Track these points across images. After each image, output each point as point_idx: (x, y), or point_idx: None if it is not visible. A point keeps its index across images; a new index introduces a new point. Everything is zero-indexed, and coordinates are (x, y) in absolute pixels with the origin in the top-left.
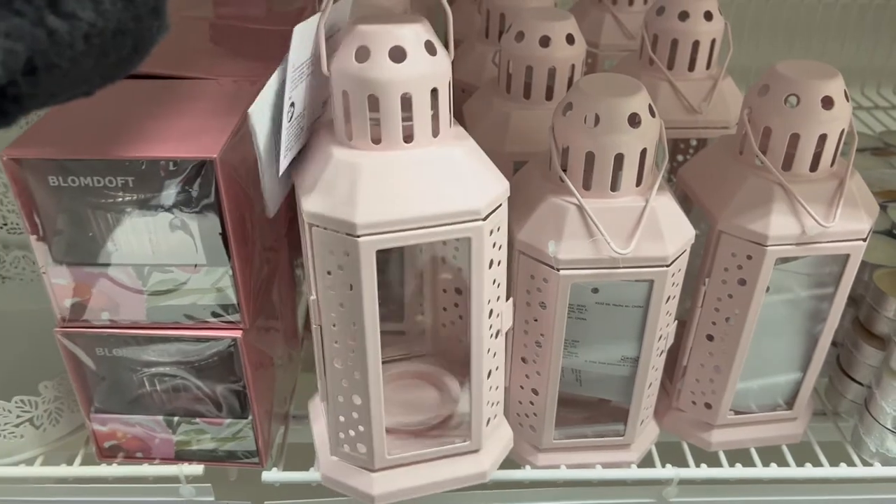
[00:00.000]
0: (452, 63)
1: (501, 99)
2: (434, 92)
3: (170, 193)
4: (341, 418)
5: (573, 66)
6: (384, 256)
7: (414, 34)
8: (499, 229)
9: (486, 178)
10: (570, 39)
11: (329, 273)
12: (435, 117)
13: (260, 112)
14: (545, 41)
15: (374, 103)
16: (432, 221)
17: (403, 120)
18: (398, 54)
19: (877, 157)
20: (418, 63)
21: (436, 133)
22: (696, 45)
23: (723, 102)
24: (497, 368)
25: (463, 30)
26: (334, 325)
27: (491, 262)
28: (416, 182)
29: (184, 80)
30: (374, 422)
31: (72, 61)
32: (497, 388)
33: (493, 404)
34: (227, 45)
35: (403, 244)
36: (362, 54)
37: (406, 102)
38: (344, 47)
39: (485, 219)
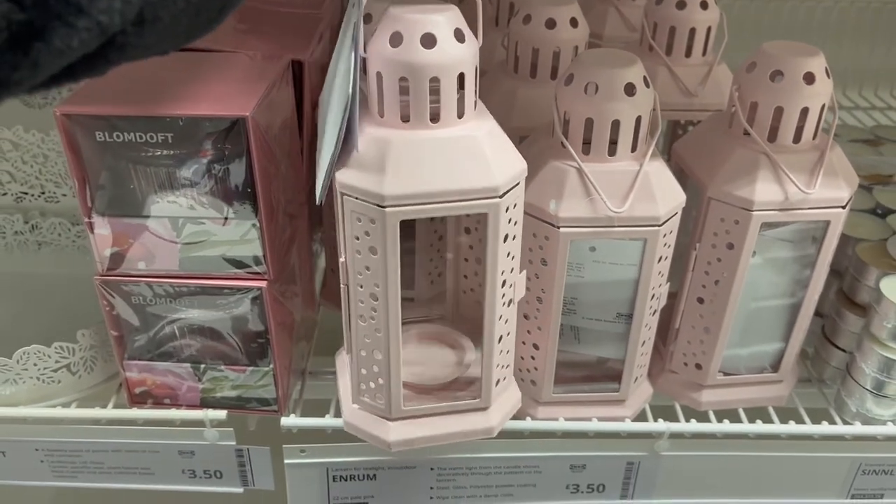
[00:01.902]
0: None
1: (509, 78)
2: (461, 76)
3: (205, 150)
4: (363, 371)
5: (576, 47)
6: (410, 224)
7: (444, 21)
8: (515, 206)
9: (505, 157)
10: (573, 22)
11: (357, 238)
12: (461, 100)
13: (327, 100)
14: (551, 24)
15: (404, 85)
16: (453, 196)
17: (431, 102)
18: (429, 40)
19: (868, 146)
20: (447, 49)
21: (461, 114)
22: (692, 32)
23: (717, 86)
24: (508, 334)
25: (474, 17)
26: (361, 287)
27: (507, 237)
28: (439, 159)
29: (216, 53)
30: (393, 375)
31: (173, 17)
32: (508, 352)
33: (503, 367)
34: (253, 24)
35: (426, 216)
36: (396, 39)
37: (434, 85)
38: (380, 31)
39: (502, 196)
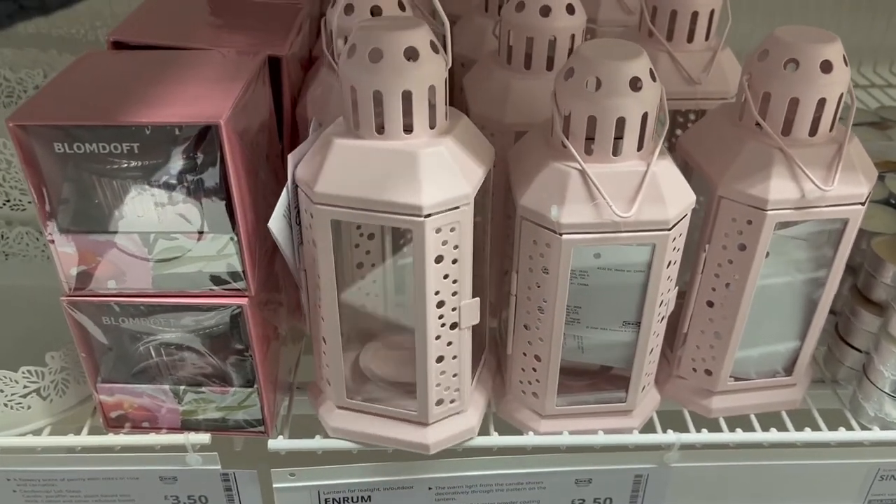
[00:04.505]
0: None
1: (502, 70)
2: (407, 93)
3: (175, 159)
4: (320, 354)
5: (573, 35)
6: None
7: (396, 40)
8: (452, 230)
9: (445, 179)
10: (570, 9)
11: (308, 228)
12: (407, 115)
13: (276, 221)
14: (546, 11)
15: (354, 95)
16: (378, 207)
17: (376, 115)
18: (376, 56)
19: (875, 130)
20: (392, 66)
21: (408, 129)
22: (694, 15)
23: (721, 73)
24: (454, 358)
25: (462, 4)
26: (317, 277)
27: (440, 258)
28: (373, 169)
29: (187, 51)
30: (335, 363)
31: None
32: (454, 375)
33: (446, 388)
34: (227, 18)
35: (356, 221)
36: (351, 51)
37: (378, 99)
38: (346, 47)
39: (427, 216)
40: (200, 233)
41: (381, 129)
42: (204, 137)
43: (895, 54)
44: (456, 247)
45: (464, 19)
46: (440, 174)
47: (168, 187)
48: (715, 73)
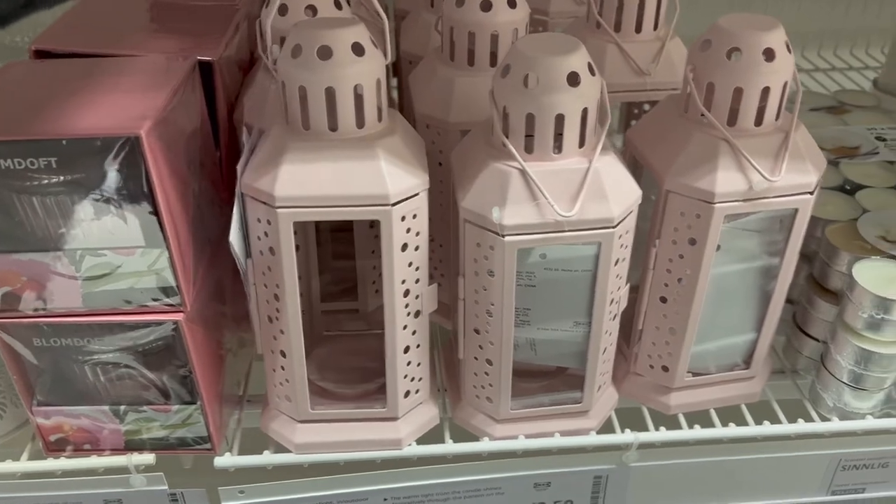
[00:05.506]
0: (399, 34)
1: (445, 67)
2: (358, 87)
3: (98, 173)
4: (273, 370)
5: (516, 30)
6: (346, 236)
7: (342, 36)
8: (414, 217)
9: (402, 168)
10: (511, 3)
11: (259, 238)
12: (359, 110)
13: (235, 235)
14: (486, 5)
15: (304, 94)
16: (344, 202)
17: (328, 112)
18: (325, 53)
19: (831, 115)
20: (343, 62)
21: (360, 124)
22: (642, 5)
23: (671, 64)
24: (418, 346)
25: (409, 1)
26: (265, 286)
27: (406, 246)
28: (333, 165)
29: (113, 58)
30: (297, 377)
31: None
32: (419, 364)
33: (414, 379)
34: (160, 22)
35: (321, 219)
36: (296, 51)
37: (331, 96)
38: (286, 44)
39: (394, 205)
40: (130, 248)
41: (333, 126)
42: (127, 149)
43: (857, 37)
44: (418, 233)
45: (411, 15)
46: (398, 163)
47: (93, 202)
48: (664, 63)
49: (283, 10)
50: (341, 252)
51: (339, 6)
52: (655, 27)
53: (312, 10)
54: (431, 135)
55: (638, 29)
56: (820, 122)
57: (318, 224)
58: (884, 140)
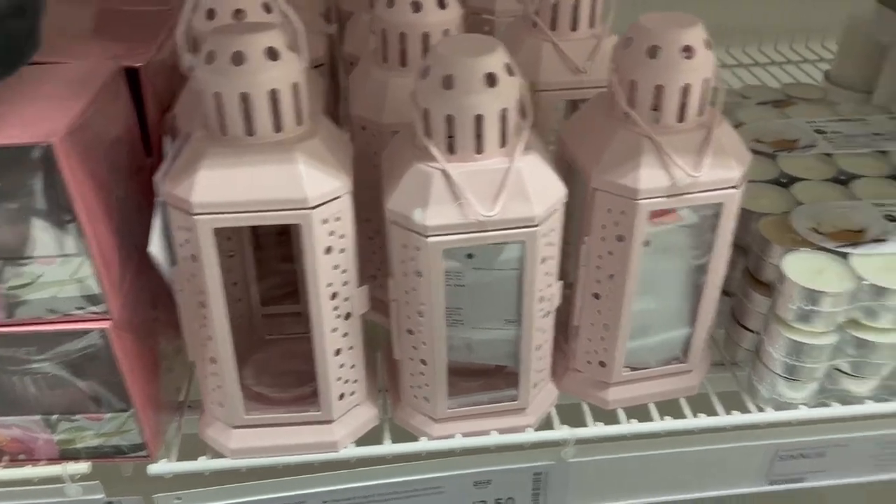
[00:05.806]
0: (341, 36)
1: (379, 68)
2: (273, 92)
3: (14, 183)
4: (206, 377)
5: (447, 30)
6: (284, 239)
7: (255, 41)
8: (338, 219)
9: (323, 171)
10: (441, 3)
11: (181, 245)
12: (276, 114)
13: (156, 245)
14: (416, 6)
15: (219, 100)
16: (264, 206)
17: (244, 117)
18: (238, 58)
19: (774, 108)
20: (256, 68)
21: (277, 128)
22: (576, 3)
23: (607, 62)
24: (351, 348)
25: (353, 1)
26: (191, 294)
27: (330, 249)
28: (252, 170)
29: (34, 66)
30: (228, 382)
31: None
32: (353, 366)
33: (346, 381)
34: (89, 28)
35: (240, 224)
36: (210, 57)
37: (246, 101)
38: (203, 54)
39: (314, 208)
40: (51, 257)
41: (250, 131)
42: (42, 157)
43: (811, 30)
44: (342, 236)
45: (354, 17)
46: (318, 166)
47: (10, 212)
48: (600, 60)
49: (210, 14)
50: (287, 255)
51: (268, 10)
52: (592, 25)
53: (240, 14)
54: (367, 136)
55: (574, 27)
56: (764, 116)
57: (260, 228)
58: (823, 133)
